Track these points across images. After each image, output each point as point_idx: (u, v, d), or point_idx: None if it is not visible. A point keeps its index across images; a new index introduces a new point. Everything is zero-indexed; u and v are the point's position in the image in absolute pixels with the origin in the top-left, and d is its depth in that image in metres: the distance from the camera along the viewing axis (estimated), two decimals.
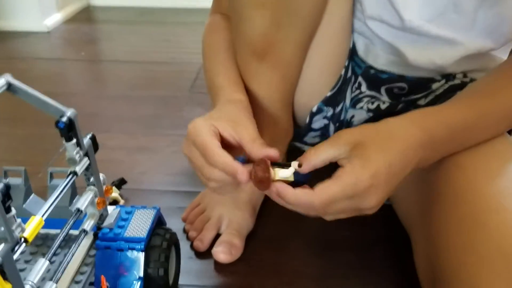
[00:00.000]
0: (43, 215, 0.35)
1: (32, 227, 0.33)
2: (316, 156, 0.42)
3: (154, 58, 1.25)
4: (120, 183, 0.69)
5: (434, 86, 0.60)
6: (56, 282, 0.37)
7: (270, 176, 0.41)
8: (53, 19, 1.46)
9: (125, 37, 1.41)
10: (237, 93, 0.54)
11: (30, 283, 0.34)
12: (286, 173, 0.41)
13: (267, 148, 0.43)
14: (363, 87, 0.64)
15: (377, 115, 0.64)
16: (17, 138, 0.87)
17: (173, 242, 0.49)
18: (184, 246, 0.58)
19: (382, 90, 0.62)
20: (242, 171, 0.41)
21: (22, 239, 0.32)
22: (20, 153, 0.82)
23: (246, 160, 0.43)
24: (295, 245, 0.60)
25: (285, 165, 0.42)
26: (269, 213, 0.64)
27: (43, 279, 0.37)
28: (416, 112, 0.46)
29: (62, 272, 0.38)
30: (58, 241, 0.38)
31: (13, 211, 0.32)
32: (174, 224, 0.57)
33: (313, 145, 0.73)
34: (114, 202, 0.65)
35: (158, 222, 0.49)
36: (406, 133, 0.43)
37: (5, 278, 0.31)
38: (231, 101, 0.52)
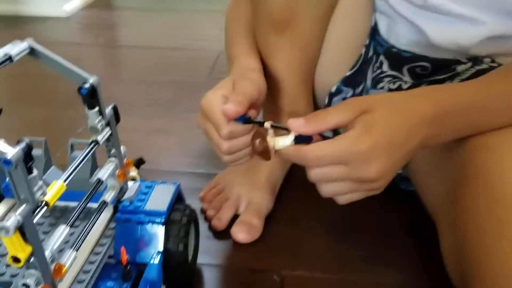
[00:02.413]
0: (65, 180, 0.34)
1: (53, 191, 0.32)
2: (323, 119, 0.40)
3: (171, 44, 1.24)
4: (138, 163, 0.68)
5: (459, 68, 0.58)
6: (76, 250, 0.36)
7: (268, 148, 0.41)
8: (72, 4, 1.47)
9: (142, 23, 1.41)
10: (250, 61, 0.54)
11: (50, 248, 0.33)
12: (286, 142, 0.41)
13: (231, 103, 0.44)
14: (385, 67, 0.62)
15: None
16: (35, 119, 0.87)
17: (193, 219, 0.48)
18: (202, 225, 0.58)
19: (404, 70, 0.61)
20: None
21: (43, 203, 0.32)
22: (38, 134, 0.81)
23: (248, 118, 0.44)
24: (316, 228, 0.58)
25: (286, 128, 0.41)
26: (290, 194, 0.63)
27: (62, 249, 0.36)
28: (429, 87, 0.45)
29: (83, 241, 0.37)
30: (79, 209, 0.37)
31: (35, 172, 0.31)
32: (191, 205, 0.56)
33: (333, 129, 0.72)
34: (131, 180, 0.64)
35: (178, 198, 0.48)
36: (415, 106, 0.42)
37: (25, 240, 0.30)
38: (244, 69, 0.52)
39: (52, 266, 0.33)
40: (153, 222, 0.43)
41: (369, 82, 0.64)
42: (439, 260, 0.47)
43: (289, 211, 0.61)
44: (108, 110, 0.42)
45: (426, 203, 0.57)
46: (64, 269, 0.34)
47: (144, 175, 0.68)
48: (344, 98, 0.67)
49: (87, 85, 0.38)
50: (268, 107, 0.66)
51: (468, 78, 0.58)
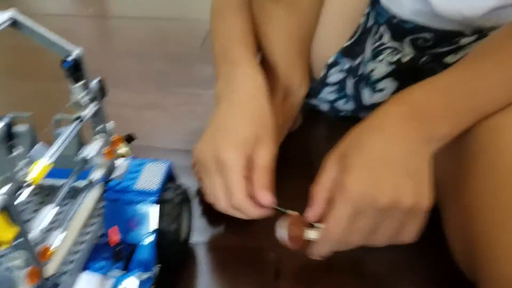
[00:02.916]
0: (49, 159, 0.33)
1: (38, 171, 0.31)
2: (320, 191, 0.43)
3: (163, 14, 1.20)
4: (128, 139, 0.66)
5: (463, 41, 0.56)
6: (63, 231, 0.35)
7: (303, 237, 0.44)
8: None
9: None
10: (252, 68, 0.51)
11: (35, 229, 0.32)
12: (314, 235, 0.43)
13: (264, 192, 0.45)
14: (385, 38, 0.60)
15: (398, 69, 0.61)
16: (23, 93, 0.84)
17: (185, 198, 0.47)
18: (196, 204, 0.57)
19: (406, 41, 0.59)
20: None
21: (27, 182, 0.30)
22: (27, 108, 0.79)
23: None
24: None
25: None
26: (286, 172, 0.61)
27: (50, 229, 0.35)
28: (406, 89, 0.44)
29: (69, 221, 0.36)
30: (66, 188, 0.35)
31: (17, 150, 0.29)
32: (185, 183, 0.55)
33: (329, 102, 0.71)
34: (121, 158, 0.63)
35: (170, 177, 0.47)
36: (387, 113, 0.42)
37: (10, 221, 0.29)
38: (249, 86, 0.49)
39: (38, 248, 0.32)
40: (144, 202, 0.42)
41: (368, 53, 0.62)
42: (440, 239, 0.46)
43: (284, 189, 0.60)
44: (94, 84, 0.40)
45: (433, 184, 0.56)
46: (50, 251, 0.33)
47: (135, 152, 0.66)
48: (342, 70, 0.65)
49: (70, 58, 0.36)
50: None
51: None
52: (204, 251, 0.51)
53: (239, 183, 0.44)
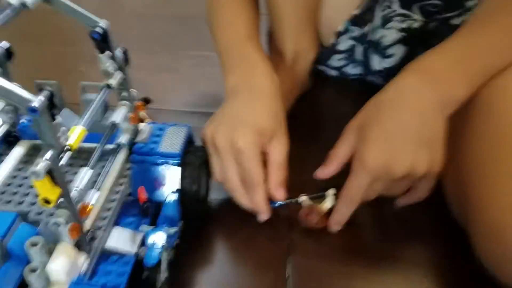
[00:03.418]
0: (84, 125, 0.35)
1: (76, 135, 0.34)
2: (336, 156, 0.47)
3: None
4: (144, 102, 0.69)
5: (469, 3, 0.57)
6: (98, 190, 0.38)
7: (324, 219, 0.48)
8: None
9: None
10: (268, 68, 0.52)
11: (75, 188, 0.35)
12: (328, 205, 0.48)
13: (279, 189, 0.48)
14: (395, 5, 0.61)
15: (407, 35, 0.62)
16: (39, 57, 0.85)
17: (204, 159, 0.50)
18: None
19: (415, 7, 0.60)
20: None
21: (67, 147, 0.33)
22: (44, 72, 0.81)
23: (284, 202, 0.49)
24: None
25: (319, 196, 0.49)
26: (295, 137, 0.64)
27: (86, 188, 0.38)
28: (414, 60, 0.46)
29: (103, 181, 0.39)
30: (98, 151, 0.38)
31: (58, 118, 0.32)
32: (198, 144, 0.57)
33: (337, 68, 0.72)
34: (140, 121, 0.65)
35: (189, 140, 0.49)
36: (397, 87, 0.44)
37: (54, 183, 0.32)
38: (268, 85, 0.50)
39: (78, 206, 0.35)
40: (168, 164, 0.45)
41: (377, 21, 0.63)
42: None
43: (293, 151, 0.62)
44: (118, 53, 0.42)
45: None
46: (88, 209, 0.36)
47: (151, 115, 0.68)
48: (352, 37, 0.66)
49: (99, 30, 0.38)
50: (272, 43, 0.65)
51: None
52: (222, 209, 0.55)
53: (257, 166, 0.46)
